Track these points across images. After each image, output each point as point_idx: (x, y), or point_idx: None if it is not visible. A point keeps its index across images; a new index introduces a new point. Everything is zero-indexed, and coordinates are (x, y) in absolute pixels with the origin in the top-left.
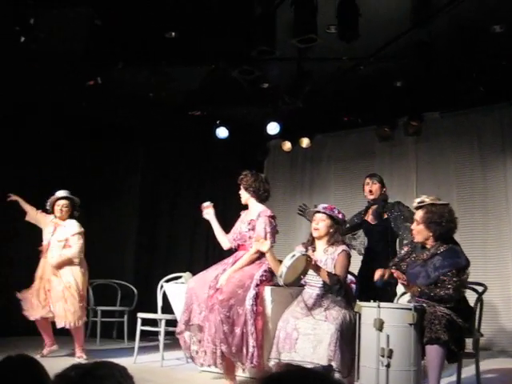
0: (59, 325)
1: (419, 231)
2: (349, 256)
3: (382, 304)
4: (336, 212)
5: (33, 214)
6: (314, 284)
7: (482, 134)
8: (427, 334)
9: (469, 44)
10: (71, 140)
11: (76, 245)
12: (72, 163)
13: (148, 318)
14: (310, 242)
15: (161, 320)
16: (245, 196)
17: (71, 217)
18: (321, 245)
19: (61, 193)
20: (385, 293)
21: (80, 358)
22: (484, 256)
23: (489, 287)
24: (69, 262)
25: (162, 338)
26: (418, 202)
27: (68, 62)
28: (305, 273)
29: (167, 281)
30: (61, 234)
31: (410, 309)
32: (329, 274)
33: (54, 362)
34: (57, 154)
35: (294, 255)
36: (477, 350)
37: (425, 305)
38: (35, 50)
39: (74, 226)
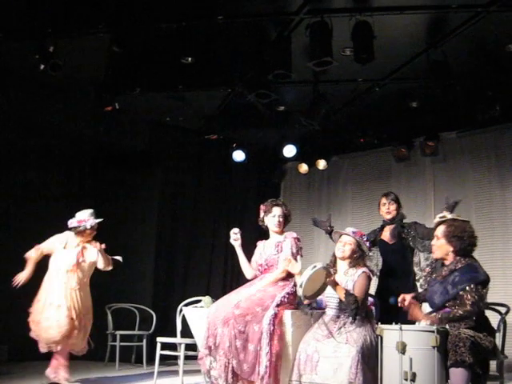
0: (79, 352)
1: (440, 246)
2: (369, 278)
3: (404, 327)
4: (364, 239)
5: (37, 257)
6: (334, 306)
7: (500, 152)
8: (452, 356)
9: (484, 63)
10: (88, 165)
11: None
12: (89, 188)
13: (167, 342)
14: (332, 264)
15: (180, 344)
16: (281, 223)
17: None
18: (342, 266)
19: (95, 219)
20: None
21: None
22: (504, 276)
23: (511, 307)
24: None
25: (181, 362)
26: (440, 217)
27: (86, 88)
28: (323, 288)
29: (186, 305)
30: (90, 256)
31: (433, 331)
32: (346, 292)
33: None
34: (73, 179)
35: (315, 266)
36: (501, 372)
37: (448, 327)
38: (54, 77)
39: (96, 254)
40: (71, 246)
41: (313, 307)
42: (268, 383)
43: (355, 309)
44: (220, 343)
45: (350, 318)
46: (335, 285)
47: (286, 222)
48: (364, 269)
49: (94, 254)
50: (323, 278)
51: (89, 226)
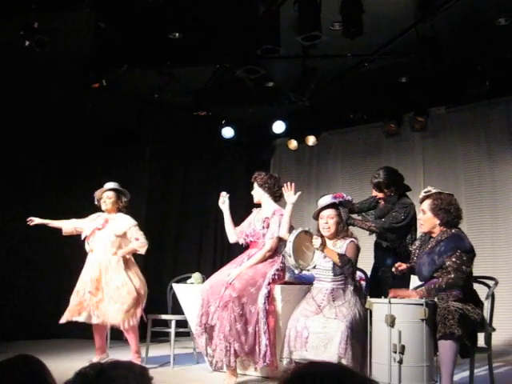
0: (110, 323)
1: (426, 220)
2: (357, 247)
3: (393, 300)
4: (345, 196)
5: (68, 227)
6: (323, 279)
7: (489, 127)
8: (441, 329)
9: (474, 38)
10: (75, 143)
11: (141, 235)
12: (77, 166)
13: (158, 319)
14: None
15: (171, 321)
16: (258, 194)
17: (119, 210)
18: (330, 242)
19: (107, 185)
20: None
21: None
22: (493, 250)
23: (499, 280)
24: (130, 254)
25: (172, 338)
26: (425, 192)
27: (72, 65)
28: (313, 253)
29: (177, 282)
30: (115, 227)
31: (422, 304)
32: (339, 254)
33: None
34: (61, 158)
35: (295, 231)
36: (489, 344)
37: (436, 300)
38: (39, 54)
39: (128, 219)
40: (98, 220)
41: (302, 282)
42: (270, 360)
43: (351, 267)
44: (220, 327)
45: (340, 290)
46: (324, 248)
47: (270, 191)
48: (352, 238)
49: (121, 228)
50: (309, 242)
51: (96, 196)
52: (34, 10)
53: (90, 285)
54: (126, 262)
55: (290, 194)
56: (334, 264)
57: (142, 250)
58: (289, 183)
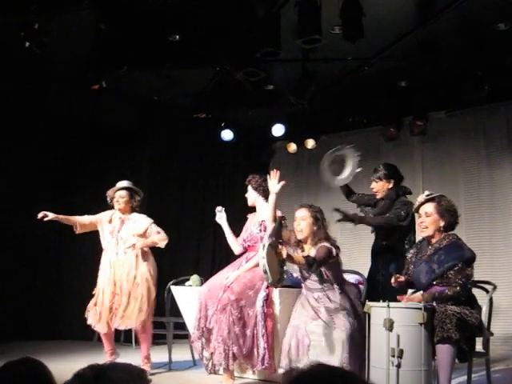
0: (124, 326)
1: (432, 222)
2: (327, 249)
3: (392, 304)
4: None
5: (83, 223)
6: (312, 287)
7: (488, 132)
8: (438, 333)
9: (473, 42)
10: (75, 144)
11: (161, 230)
12: (77, 168)
13: (156, 321)
14: (297, 244)
15: (169, 323)
16: (253, 197)
17: (133, 210)
18: (307, 246)
19: (120, 183)
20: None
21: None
22: (491, 255)
23: (497, 286)
24: (148, 248)
25: (169, 340)
26: (427, 195)
27: (72, 66)
28: (282, 264)
29: (175, 284)
30: (134, 228)
31: (420, 308)
32: (304, 256)
33: None
34: (61, 158)
35: (263, 245)
36: (487, 349)
37: (435, 304)
38: (39, 55)
39: (146, 217)
40: (115, 220)
41: (300, 285)
42: (268, 363)
43: (317, 267)
44: (218, 330)
45: (325, 292)
46: (291, 258)
47: (264, 193)
48: (323, 243)
49: (140, 227)
50: (275, 254)
51: (109, 195)
52: (34, 10)
53: (112, 289)
54: (143, 255)
55: (273, 184)
56: (300, 267)
57: (162, 244)
58: (274, 171)
